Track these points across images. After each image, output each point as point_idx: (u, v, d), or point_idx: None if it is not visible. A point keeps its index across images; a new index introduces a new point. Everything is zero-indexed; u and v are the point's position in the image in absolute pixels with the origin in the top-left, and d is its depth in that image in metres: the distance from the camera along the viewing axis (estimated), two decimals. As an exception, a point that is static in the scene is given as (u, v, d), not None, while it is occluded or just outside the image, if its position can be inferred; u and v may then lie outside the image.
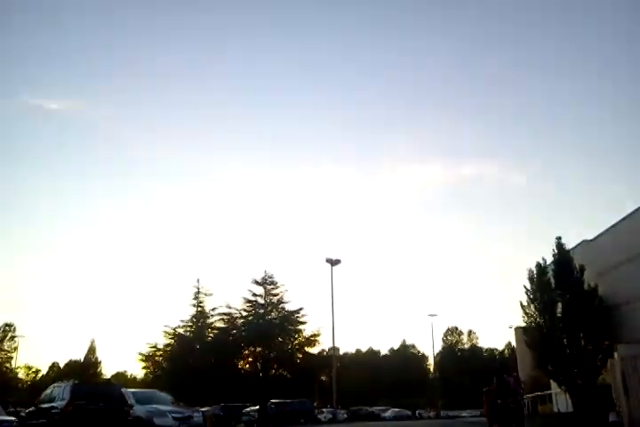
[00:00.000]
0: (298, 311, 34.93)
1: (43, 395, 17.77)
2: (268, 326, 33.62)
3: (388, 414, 61.13)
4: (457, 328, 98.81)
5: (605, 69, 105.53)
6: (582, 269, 27.30)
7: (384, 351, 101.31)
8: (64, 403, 15.65)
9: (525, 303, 28.63)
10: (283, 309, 35.13)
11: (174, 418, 18.44)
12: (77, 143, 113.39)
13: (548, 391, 35.97)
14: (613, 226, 27.35)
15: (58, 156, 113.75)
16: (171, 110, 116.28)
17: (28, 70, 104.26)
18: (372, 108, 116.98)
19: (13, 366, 68.09)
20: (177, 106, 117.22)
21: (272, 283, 35.26)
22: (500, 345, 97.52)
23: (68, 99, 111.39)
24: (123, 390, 18.18)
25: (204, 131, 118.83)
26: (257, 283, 35.14)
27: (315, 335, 34.83)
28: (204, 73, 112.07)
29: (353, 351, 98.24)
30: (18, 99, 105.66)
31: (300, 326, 34.66)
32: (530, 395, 36.26)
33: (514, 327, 46.31)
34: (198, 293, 38.15)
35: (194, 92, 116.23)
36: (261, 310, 34.77)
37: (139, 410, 18.07)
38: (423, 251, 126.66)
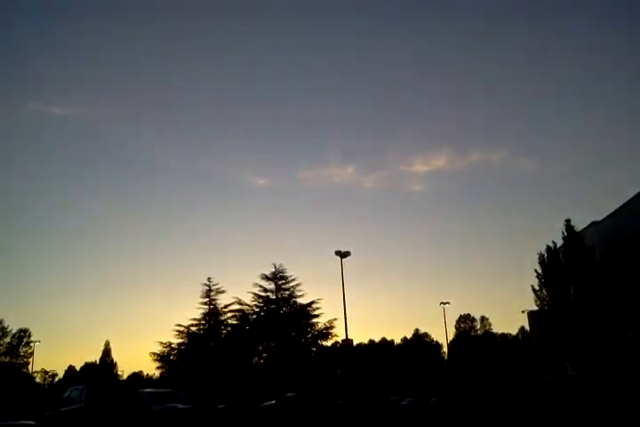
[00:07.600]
0: (310, 305, 34.75)
1: (60, 398, 17.86)
2: (281, 321, 33.45)
3: (405, 402, 61.32)
4: (469, 315, 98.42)
5: (619, 53, 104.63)
6: (593, 249, 26.99)
7: (398, 341, 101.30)
8: (82, 405, 15.69)
9: (537, 287, 28.51)
10: (295, 303, 34.91)
11: (190, 415, 18.51)
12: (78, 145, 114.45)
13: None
14: (623, 206, 27.06)
15: (63, 159, 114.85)
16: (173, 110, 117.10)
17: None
18: (376, 97, 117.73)
19: (30, 371, 68.42)
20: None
21: (283, 278, 34.97)
22: (513, 330, 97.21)
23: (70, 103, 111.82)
24: (139, 390, 18.22)
25: (205, 131, 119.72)
26: (267, 278, 34.93)
27: (328, 328, 34.67)
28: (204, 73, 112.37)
29: (366, 342, 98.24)
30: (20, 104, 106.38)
31: (313, 320, 34.48)
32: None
33: (526, 311, 46.36)
34: (210, 291, 37.99)
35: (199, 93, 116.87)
36: (273, 306, 34.58)
37: (156, 409, 18.14)
38: (433, 239, 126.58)
